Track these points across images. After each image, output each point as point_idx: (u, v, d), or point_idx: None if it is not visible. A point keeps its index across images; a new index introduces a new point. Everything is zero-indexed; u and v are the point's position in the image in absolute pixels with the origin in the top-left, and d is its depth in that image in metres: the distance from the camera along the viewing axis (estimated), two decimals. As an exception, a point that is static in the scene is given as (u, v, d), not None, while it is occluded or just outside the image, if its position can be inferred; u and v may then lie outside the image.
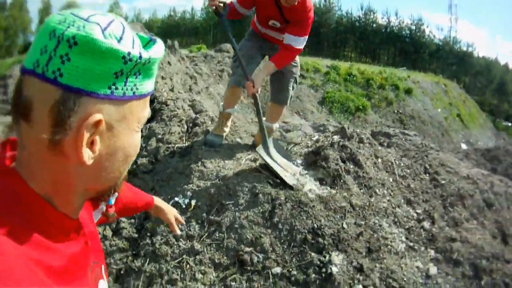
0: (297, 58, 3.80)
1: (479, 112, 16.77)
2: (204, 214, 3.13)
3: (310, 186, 3.19)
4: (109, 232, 3.26)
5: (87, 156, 0.69)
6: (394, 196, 3.36)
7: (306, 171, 3.45)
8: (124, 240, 3.21)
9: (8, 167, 0.72)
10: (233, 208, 3.04)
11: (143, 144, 3.96)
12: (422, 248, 3.04)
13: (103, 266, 0.99)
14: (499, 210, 3.55)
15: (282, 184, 3.19)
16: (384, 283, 2.65)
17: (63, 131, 0.66)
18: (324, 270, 2.62)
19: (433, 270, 2.89)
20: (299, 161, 3.63)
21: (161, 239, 3.00)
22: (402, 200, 3.39)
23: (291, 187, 3.15)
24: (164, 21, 61.67)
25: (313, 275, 2.61)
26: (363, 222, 2.99)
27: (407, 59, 44.67)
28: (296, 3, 3.18)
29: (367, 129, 5.66)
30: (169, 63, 7.07)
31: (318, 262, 2.67)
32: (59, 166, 0.70)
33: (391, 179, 3.54)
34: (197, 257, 2.82)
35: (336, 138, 3.71)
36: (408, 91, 12.07)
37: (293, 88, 3.88)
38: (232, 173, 3.32)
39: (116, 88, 0.69)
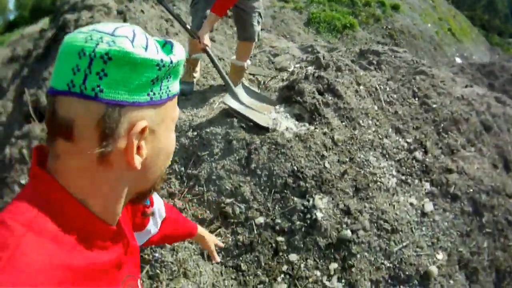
0: None
1: (471, 27, 16.39)
2: (182, 168, 2.96)
3: (287, 124, 2.98)
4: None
5: (138, 162, 0.72)
6: (380, 126, 3.15)
7: (282, 108, 3.22)
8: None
9: (45, 174, 0.72)
10: (209, 158, 2.86)
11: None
12: (416, 181, 2.87)
13: (139, 281, 1.00)
14: (498, 134, 3.36)
15: (256, 127, 2.98)
16: (375, 225, 2.52)
17: (112, 143, 0.68)
18: (308, 216, 2.48)
19: (428, 206, 2.74)
20: (273, 98, 3.40)
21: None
22: (390, 129, 3.18)
23: (266, 129, 2.95)
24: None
25: (298, 222, 2.48)
26: (347, 159, 2.81)
27: None
28: None
29: (356, 47, 5.35)
30: (142, 11, 6.69)
31: (302, 208, 2.53)
32: (105, 174, 0.72)
33: (376, 107, 3.31)
34: (179, 215, 2.69)
35: (310, 69, 3.43)
36: (395, 7, 11.70)
37: (258, 23, 3.64)
38: (205, 121, 3.11)
39: (154, 94, 0.72)
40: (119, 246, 0.85)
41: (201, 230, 1.69)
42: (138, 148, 0.72)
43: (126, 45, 0.66)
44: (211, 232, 2.57)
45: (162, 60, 0.70)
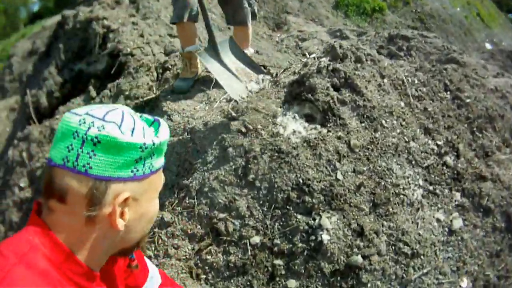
0: None
1: (498, 13, 15.80)
2: (174, 177, 2.60)
3: (294, 127, 2.52)
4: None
5: (121, 225, 0.87)
6: (407, 126, 2.64)
7: (289, 108, 2.74)
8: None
9: (41, 222, 0.84)
10: (201, 167, 2.47)
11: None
12: (446, 191, 2.37)
13: None
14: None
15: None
16: (393, 248, 2.05)
17: (97, 209, 0.83)
18: (313, 237, 2.03)
19: (457, 222, 2.23)
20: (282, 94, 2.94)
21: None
22: (418, 130, 2.66)
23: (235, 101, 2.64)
24: None
25: (300, 244, 2.04)
26: (365, 168, 2.32)
27: None
28: None
29: (385, 31, 4.87)
30: None
31: (306, 227, 2.08)
32: (91, 231, 0.85)
33: (402, 104, 2.80)
34: (169, 229, 2.34)
35: (324, 61, 2.92)
36: None
37: (250, 4, 3.31)
38: (201, 123, 2.72)
39: (137, 170, 0.86)
40: None
41: None
42: (122, 213, 0.86)
43: (113, 131, 0.80)
44: (200, 250, 2.21)
45: (145, 144, 0.84)
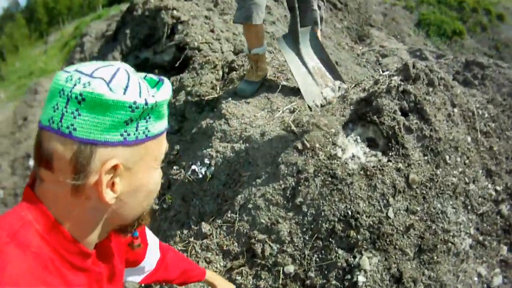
0: None
1: None
2: (221, 186, 2.59)
3: (354, 151, 2.41)
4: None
5: (110, 197, 0.76)
6: (470, 165, 2.46)
7: (353, 129, 2.63)
8: (145, 212, 2.85)
9: (33, 195, 0.78)
10: (250, 181, 2.44)
11: (172, 99, 3.44)
12: (494, 243, 2.20)
13: None
14: None
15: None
16: (428, 300, 1.92)
17: (83, 177, 0.73)
18: (349, 276, 1.95)
19: (497, 280, 2.07)
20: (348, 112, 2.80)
21: (173, 216, 2.58)
22: (481, 171, 2.47)
23: (309, 108, 2.48)
24: None
25: (334, 282, 1.98)
26: (419, 208, 2.19)
27: None
28: None
29: (462, 56, 4.62)
30: None
31: (345, 264, 2.00)
32: (81, 204, 0.77)
33: (469, 139, 2.60)
34: (205, 241, 2.35)
35: (395, 80, 2.74)
36: (500, 17, 11.37)
37: (319, 7, 3.11)
38: (259, 132, 2.67)
39: (128, 134, 0.75)
40: (98, 271, 0.88)
41: (213, 276, 1.62)
42: (113, 184, 0.76)
43: (99, 87, 0.70)
44: (232, 269, 2.18)
45: (135, 103, 0.73)
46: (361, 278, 1.92)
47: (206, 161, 2.69)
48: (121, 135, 0.73)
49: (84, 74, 0.72)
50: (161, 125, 0.82)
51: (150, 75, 0.84)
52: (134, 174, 0.78)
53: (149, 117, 0.77)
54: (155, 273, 1.39)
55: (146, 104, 0.74)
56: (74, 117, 0.70)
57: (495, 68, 3.72)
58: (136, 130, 0.75)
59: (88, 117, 0.70)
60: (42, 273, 0.70)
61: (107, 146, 0.72)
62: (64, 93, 0.70)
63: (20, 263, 0.68)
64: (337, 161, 2.34)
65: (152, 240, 1.37)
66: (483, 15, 10.75)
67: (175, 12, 4.48)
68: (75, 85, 0.70)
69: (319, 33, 3.30)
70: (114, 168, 0.74)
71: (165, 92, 0.80)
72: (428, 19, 9.76)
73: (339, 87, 2.88)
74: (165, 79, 0.84)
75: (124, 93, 0.72)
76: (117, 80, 0.73)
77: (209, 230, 2.34)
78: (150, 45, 4.60)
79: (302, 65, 2.70)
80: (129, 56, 4.71)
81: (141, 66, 4.45)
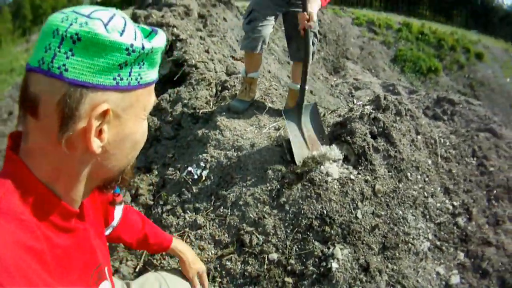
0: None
1: None
2: (214, 186, 2.93)
3: (329, 164, 2.84)
4: (128, 198, 3.20)
5: (96, 145, 0.73)
6: (429, 183, 2.92)
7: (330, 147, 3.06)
8: (140, 206, 3.15)
9: (14, 156, 0.75)
10: (241, 182, 2.80)
11: (168, 109, 3.80)
12: (451, 249, 2.62)
13: (106, 268, 1.01)
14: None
15: (290, 160, 2.86)
16: (391, 288, 2.31)
17: (71, 123, 0.69)
18: (324, 263, 2.33)
19: (455, 279, 2.48)
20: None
21: (170, 210, 2.88)
22: (439, 188, 2.94)
23: (294, 162, 2.80)
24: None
25: (311, 268, 2.33)
26: (383, 213, 2.62)
27: (478, 22, 42.90)
28: None
29: (435, 93, 5.14)
30: (224, 19, 6.77)
31: (320, 254, 2.38)
32: (65, 156, 0.72)
33: (430, 161, 3.08)
34: (199, 231, 2.66)
35: (368, 108, 3.24)
36: (479, 56, 11.79)
37: (313, 43, 3.44)
38: (249, 143, 3.06)
39: (121, 79, 0.73)
40: (82, 230, 0.86)
41: (181, 248, 1.62)
42: (100, 131, 0.73)
43: (97, 27, 0.68)
44: (223, 256, 2.51)
45: (132, 45, 0.71)
46: (334, 265, 2.29)
47: (202, 164, 3.04)
48: (114, 79, 0.71)
49: (81, 14, 0.69)
50: (153, 73, 0.80)
51: (143, 25, 0.81)
52: (123, 122, 0.76)
53: (143, 63, 0.75)
54: (114, 232, 1.38)
55: (143, 48, 0.73)
56: (67, 57, 0.67)
57: (465, 104, 4.22)
58: (129, 76, 0.73)
59: (82, 58, 0.67)
60: (28, 241, 0.67)
61: (98, 89, 0.69)
62: (59, 32, 0.67)
63: (2, 233, 0.64)
64: (315, 171, 2.76)
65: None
66: (461, 54, 11.21)
67: (175, 29, 4.80)
68: (71, 24, 0.67)
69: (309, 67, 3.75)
70: (104, 113, 0.71)
71: (160, 39, 0.79)
72: (404, 55, 10.08)
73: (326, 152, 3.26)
74: (159, 30, 0.82)
75: (121, 36, 0.70)
76: (115, 23, 0.70)
77: (203, 222, 2.67)
78: None
79: (300, 135, 3.01)
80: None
81: None
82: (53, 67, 0.67)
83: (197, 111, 3.68)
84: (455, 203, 2.86)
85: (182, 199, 2.92)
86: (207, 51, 4.58)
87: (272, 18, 3.36)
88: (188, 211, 2.82)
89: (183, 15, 5.63)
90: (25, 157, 0.74)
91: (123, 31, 0.71)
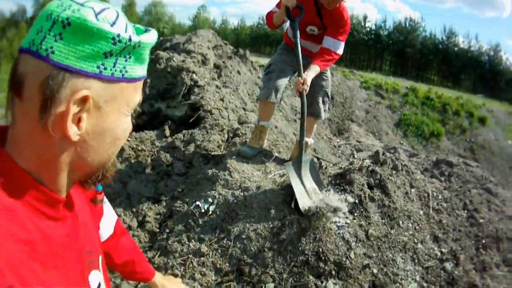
0: (329, 72, 3.80)
1: None
2: (220, 221, 3.16)
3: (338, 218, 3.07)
4: (134, 223, 3.43)
5: (73, 131, 0.72)
6: (420, 231, 3.15)
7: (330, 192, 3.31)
8: (146, 232, 3.37)
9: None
10: (245, 219, 3.03)
11: (181, 148, 4.08)
12: (438, 292, 2.81)
13: (100, 257, 1.00)
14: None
15: (294, 208, 3.09)
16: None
17: (51, 106, 0.69)
18: (317, 295, 2.52)
19: None
20: (328, 186, 3.49)
21: (175, 237, 3.08)
22: (429, 236, 3.15)
23: (300, 213, 3.02)
24: (253, 29, 61.98)
25: (305, 299, 2.53)
26: (374, 254, 2.83)
27: (485, 86, 43.38)
28: (338, 5, 3.30)
29: (434, 156, 5.40)
30: (238, 72, 7.12)
31: (314, 286, 2.58)
32: (46, 141, 0.72)
33: (421, 212, 3.32)
34: (202, 258, 2.86)
35: (366, 162, 3.54)
36: (482, 120, 12.01)
37: (323, 102, 3.81)
38: (255, 185, 3.31)
39: (105, 68, 0.73)
40: (71, 219, 0.85)
41: (162, 281, 1.57)
42: (79, 119, 0.73)
43: (87, 14, 0.69)
44: (222, 282, 2.70)
45: (119, 35, 0.72)
46: (327, 297, 2.50)
47: (210, 199, 3.29)
48: (98, 67, 0.72)
49: (75, 2, 0.71)
50: (140, 70, 0.80)
51: (138, 25, 0.83)
52: (104, 115, 0.76)
53: (129, 57, 0.76)
54: (104, 247, 1.33)
55: (130, 40, 0.74)
56: (55, 40, 0.69)
57: (463, 166, 4.49)
58: (114, 66, 0.74)
59: (69, 42, 0.69)
60: (18, 233, 0.67)
61: (81, 75, 0.70)
62: (52, 17, 0.69)
63: None
64: (314, 214, 2.99)
65: (109, 213, 1.38)
66: (464, 118, 11.36)
67: (194, 75, 5.09)
68: (64, 10, 0.70)
69: (315, 126, 4.07)
70: (84, 100, 0.72)
71: (151, 36, 0.80)
72: (408, 120, 10.25)
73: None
74: (152, 29, 0.83)
75: (111, 26, 0.71)
76: (106, 14, 0.72)
77: (206, 250, 2.88)
78: (166, 98, 5.06)
79: (302, 185, 3.26)
80: (145, 102, 5.06)
81: (153, 114, 4.94)
82: (41, 49, 0.69)
83: (209, 153, 3.97)
84: (443, 250, 3.07)
85: (188, 229, 3.14)
86: (222, 100, 4.92)
87: (288, 72, 3.72)
88: (193, 240, 3.03)
89: (201, 63, 5.93)
90: (11, 146, 0.75)
91: (113, 23, 0.73)
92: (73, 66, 0.69)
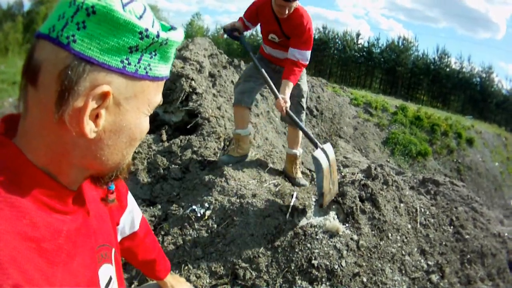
0: (302, 84, 3.83)
1: None
2: (215, 225, 3.24)
3: (321, 219, 3.19)
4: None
5: (89, 128, 0.68)
6: (407, 243, 3.28)
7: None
8: (140, 234, 3.42)
9: (6, 140, 0.72)
10: (241, 224, 3.13)
11: (178, 153, 4.16)
12: (424, 302, 2.93)
13: (114, 250, 0.97)
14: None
15: (318, 197, 3.13)
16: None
17: (69, 98, 0.65)
18: (309, 300, 2.63)
19: None
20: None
21: (171, 240, 3.15)
22: (416, 249, 3.29)
23: (321, 205, 3.09)
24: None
25: (297, 303, 2.63)
26: (364, 264, 2.95)
27: (475, 107, 43.91)
28: (285, 16, 3.39)
29: (420, 175, 5.54)
30: (232, 82, 7.17)
31: (306, 292, 2.68)
32: (59, 135, 0.69)
33: (409, 226, 3.45)
34: (197, 261, 2.94)
35: (359, 176, 3.68)
36: (470, 141, 12.19)
37: (297, 111, 3.80)
38: (251, 194, 3.42)
39: (129, 64, 0.69)
40: (82, 212, 0.82)
41: (173, 282, 1.57)
42: (97, 116, 0.69)
43: (113, 4, 0.64)
44: (217, 285, 2.78)
45: (147, 30, 0.68)
46: (318, 302, 2.60)
47: (206, 204, 3.38)
48: (122, 61, 0.67)
49: None
50: (164, 69, 0.77)
51: (162, 22, 0.79)
52: (123, 113, 0.72)
53: (155, 54, 0.72)
54: (125, 243, 1.35)
55: (158, 36, 0.69)
56: (78, 28, 0.64)
57: (449, 186, 4.64)
58: (138, 63, 0.70)
59: (93, 32, 0.64)
60: (24, 229, 0.64)
61: (103, 69, 0.66)
62: (75, 3, 0.64)
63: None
64: (308, 223, 3.11)
65: (133, 209, 1.35)
66: (452, 139, 11.38)
67: (193, 82, 5.15)
68: None
69: (300, 136, 4.05)
70: (104, 96, 0.67)
71: (178, 34, 0.76)
72: (396, 138, 10.26)
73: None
74: (179, 27, 0.79)
75: (138, 19, 0.67)
76: (134, 6, 0.68)
77: (201, 254, 2.97)
78: (163, 103, 5.00)
79: (329, 172, 3.21)
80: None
81: (151, 118, 4.99)
82: (62, 36, 0.64)
83: (205, 159, 4.06)
84: (429, 263, 3.20)
85: (184, 232, 3.22)
86: (219, 108, 5.02)
87: (255, 78, 3.81)
88: (188, 243, 3.11)
89: (197, 71, 5.95)
90: (20, 139, 0.72)
91: (141, 16, 0.68)
92: (96, 58, 0.65)
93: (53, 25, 0.65)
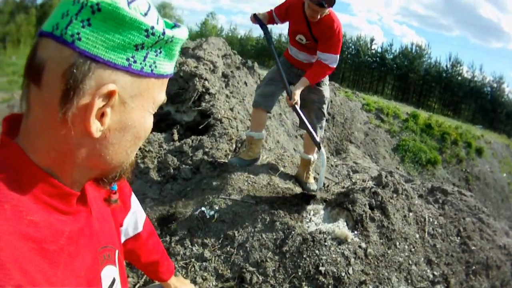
0: (325, 86, 3.89)
1: None
2: (224, 228, 3.26)
3: (330, 225, 3.20)
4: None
5: (95, 128, 0.68)
6: (414, 253, 3.27)
7: (332, 210, 3.44)
8: (147, 233, 3.45)
9: (8, 140, 0.71)
10: (249, 228, 3.14)
11: (189, 153, 4.18)
12: (428, 312, 2.93)
13: (117, 252, 0.96)
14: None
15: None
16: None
17: (74, 97, 0.65)
18: (315, 307, 2.63)
19: None
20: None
21: (178, 240, 3.18)
22: (423, 259, 3.28)
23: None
24: (259, 41, 62.33)
25: (304, 309, 2.64)
26: (371, 272, 2.95)
27: (485, 117, 43.61)
28: (316, 20, 3.43)
29: (429, 183, 5.53)
30: (245, 83, 7.20)
31: (312, 298, 2.69)
32: (63, 135, 0.68)
33: (417, 235, 3.44)
34: (204, 263, 2.96)
35: (370, 183, 3.68)
36: (479, 151, 12.18)
37: (318, 117, 3.87)
38: (262, 197, 3.43)
39: (135, 62, 0.68)
40: (85, 213, 0.82)
41: (176, 284, 1.56)
42: (102, 114, 0.68)
43: (119, 1, 0.64)
44: (222, 288, 2.79)
45: (152, 27, 0.67)
46: (324, 308, 2.61)
47: (215, 207, 3.40)
48: (127, 59, 0.67)
49: None
50: (169, 66, 0.76)
51: (166, 19, 0.78)
52: (128, 111, 0.72)
53: (160, 52, 0.72)
54: (128, 244, 1.35)
55: (163, 33, 0.69)
56: (83, 26, 0.63)
57: (457, 195, 4.62)
58: (144, 60, 0.69)
59: (98, 30, 0.64)
60: (26, 230, 0.63)
61: (108, 67, 0.65)
62: (79, 1, 0.64)
63: (1, 222, 0.61)
64: (317, 229, 3.12)
65: (137, 211, 1.35)
66: (462, 148, 11.44)
67: (206, 82, 5.17)
68: None
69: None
70: (110, 95, 0.67)
71: (183, 31, 0.75)
72: (406, 145, 10.31)
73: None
74: (183, 25, 0.78)
75: (143, 17, 0.67)
76: (139, 3, 0.68)
77: (209, 256, 2.99)
78: (176, 102, 5.02)
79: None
80: (154, 104, 5.24)
81: (162, 116, 4.94)
82: (66, 34, 0.63)
83: (216, 160, 4.08)
84: (435, 273, 3.19)
85: (191, 233, 3.24)
86: (231, 109, 5.05)
87: (277, 82, 3.82)
88: (196, 244, 3.12)
89: (210, 71, 5.98)
90: (23, 138, 0.71)
91: (146, 13, 0.68)
92: (101, 56, 0.65)
93: (56, 23, 0.65)
